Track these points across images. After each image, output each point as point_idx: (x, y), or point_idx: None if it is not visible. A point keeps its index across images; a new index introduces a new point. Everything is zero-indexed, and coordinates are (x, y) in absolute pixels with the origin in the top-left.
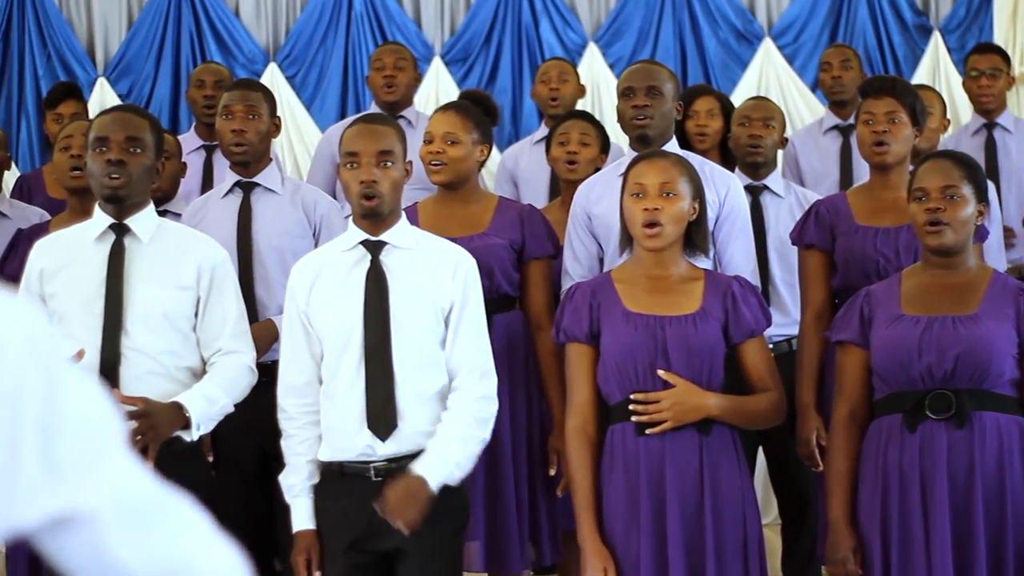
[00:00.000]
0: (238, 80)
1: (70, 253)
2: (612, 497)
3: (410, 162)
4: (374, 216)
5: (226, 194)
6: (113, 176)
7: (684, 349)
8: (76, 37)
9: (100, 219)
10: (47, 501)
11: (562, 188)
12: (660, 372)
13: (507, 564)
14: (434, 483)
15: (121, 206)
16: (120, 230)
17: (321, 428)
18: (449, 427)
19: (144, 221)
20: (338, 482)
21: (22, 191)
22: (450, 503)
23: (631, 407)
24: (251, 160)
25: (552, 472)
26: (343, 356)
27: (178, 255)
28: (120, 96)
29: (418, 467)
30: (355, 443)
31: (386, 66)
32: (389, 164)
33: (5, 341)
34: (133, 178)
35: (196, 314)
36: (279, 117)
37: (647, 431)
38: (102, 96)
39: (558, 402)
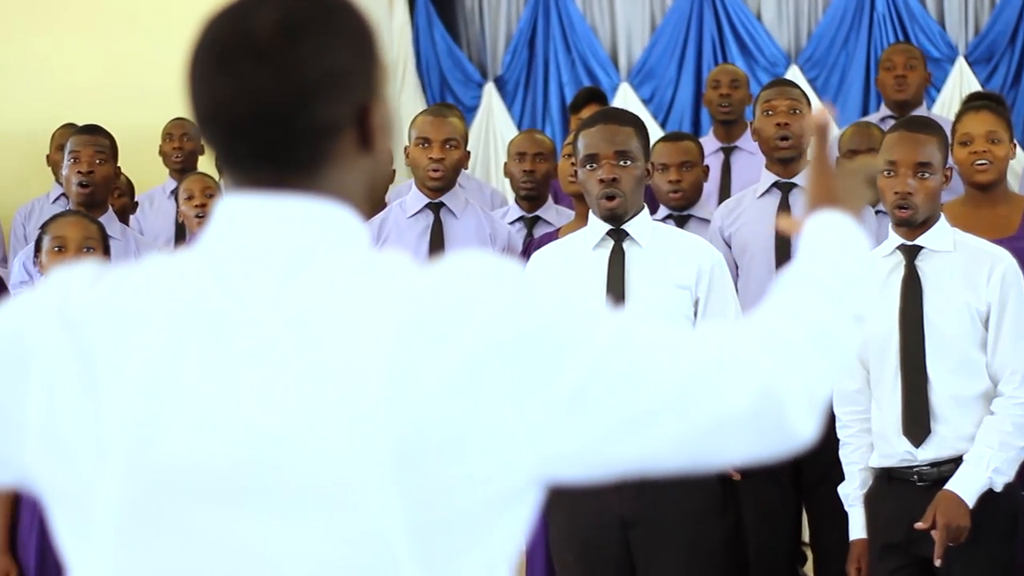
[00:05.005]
0: (776, 79)
1: (570, 262)
2: None
3: (950, 168)
4: (907, 224)
5: (763, 194)
6: (607, 194)
7: None
8: (599, 43)
9: (597, 227)
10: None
11: None
12: None
13: None
14: (969, 495)
15: (618, 220)
16: (618, 235)
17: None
18: (987, 434)
19: (640, 225)
20: (886, 488)
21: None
22: (991, 509)
23: None
24: (797, 157)
25: None
26: (884, 362)
27: (676, 256)
28: (642, 101)
29: (952, 482)
30: (896, 448)
31: (895, 66)
32: (927, 176)
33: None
34: (627, 194)
35: (695, 314)
36: None
37: None
38: (625, 101)
39: None
